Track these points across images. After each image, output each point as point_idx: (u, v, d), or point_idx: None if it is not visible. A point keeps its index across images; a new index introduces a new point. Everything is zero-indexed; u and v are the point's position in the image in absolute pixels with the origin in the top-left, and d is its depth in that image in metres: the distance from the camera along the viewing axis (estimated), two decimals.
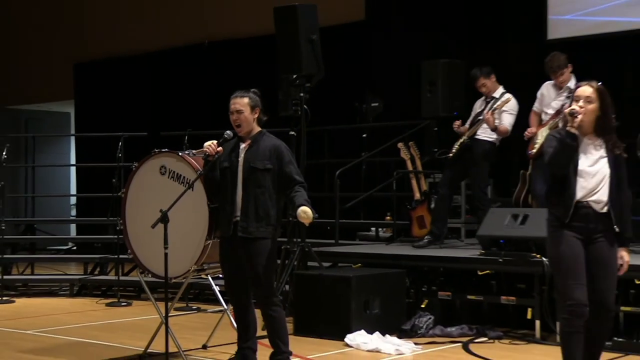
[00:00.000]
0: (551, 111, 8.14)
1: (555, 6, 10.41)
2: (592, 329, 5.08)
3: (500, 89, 8.55)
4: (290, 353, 5.84)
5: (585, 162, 5.01)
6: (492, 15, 11.24)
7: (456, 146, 8.52)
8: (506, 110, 8.35)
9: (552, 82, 8.20)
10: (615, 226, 5.02)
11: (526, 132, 8.26)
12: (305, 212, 5.49)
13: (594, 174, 5.00)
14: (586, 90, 5.03)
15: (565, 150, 4.99)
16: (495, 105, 8.33)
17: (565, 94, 7.95)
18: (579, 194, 5.00)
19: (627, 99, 9.51)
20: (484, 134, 8.45)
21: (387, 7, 12.45)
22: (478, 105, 8.68)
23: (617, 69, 9.87)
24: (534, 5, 10.67)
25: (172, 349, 6.09)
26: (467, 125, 8.64)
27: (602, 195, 5.01)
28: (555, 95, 8.14)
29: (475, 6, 11.42)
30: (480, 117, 8.46)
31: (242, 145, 5.80)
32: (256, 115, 5.81)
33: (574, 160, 5.00)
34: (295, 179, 5.70)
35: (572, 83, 7.96)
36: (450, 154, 8.57)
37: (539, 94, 8.31)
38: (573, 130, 4.98)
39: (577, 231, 5.02)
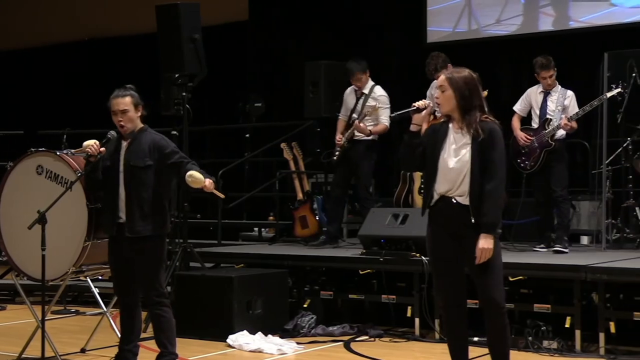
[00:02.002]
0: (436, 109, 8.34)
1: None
2: (489, 328, 4.84)
3: (370, 83, 8.65)
4: (177, 355, 5.77)
5: (448, 154, 4.78)
6: (373, 17, 11.40)
7: (338, 150, 8.62)
8: (381, 106, 8.48)
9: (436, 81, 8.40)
10: (472, 218, 4.72)
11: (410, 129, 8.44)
12: (191, 176, 5.40)
13: (454, 165, 4.76)
14: (439, 80, 4.92)
15: (409, 157, 4.94)
16: (365, 112, 8.44)
17: None
18: (442, 188, 4.79)
19: (504, 101, 9.79)
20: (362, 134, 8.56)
21: (270, 7, 12.48)
22: (350, 98, 8.74)
23: (492, 73, 10.14)
24: (414, 8, 10.89)
25: (49, 353, 5.95)
26: (340, 117, 8.73)
27: (466, 186, 4.74)
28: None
29: (357, 8, 11.56)
30: (355, 115, 8.56)
31: (123, 144, 5.71)
32: (139, 113, 5.73)
33: (436, 153, 4.81)
34: (183, 162, 5.61)
35: None
36: (334, 157, 8.66)
37: (428, 93, 8.48)
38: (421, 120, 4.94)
39: (446, 227, 4.82)
